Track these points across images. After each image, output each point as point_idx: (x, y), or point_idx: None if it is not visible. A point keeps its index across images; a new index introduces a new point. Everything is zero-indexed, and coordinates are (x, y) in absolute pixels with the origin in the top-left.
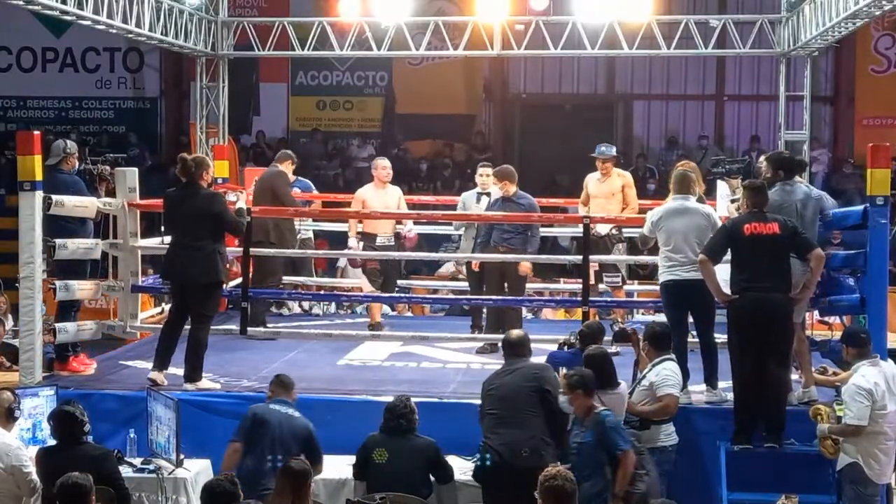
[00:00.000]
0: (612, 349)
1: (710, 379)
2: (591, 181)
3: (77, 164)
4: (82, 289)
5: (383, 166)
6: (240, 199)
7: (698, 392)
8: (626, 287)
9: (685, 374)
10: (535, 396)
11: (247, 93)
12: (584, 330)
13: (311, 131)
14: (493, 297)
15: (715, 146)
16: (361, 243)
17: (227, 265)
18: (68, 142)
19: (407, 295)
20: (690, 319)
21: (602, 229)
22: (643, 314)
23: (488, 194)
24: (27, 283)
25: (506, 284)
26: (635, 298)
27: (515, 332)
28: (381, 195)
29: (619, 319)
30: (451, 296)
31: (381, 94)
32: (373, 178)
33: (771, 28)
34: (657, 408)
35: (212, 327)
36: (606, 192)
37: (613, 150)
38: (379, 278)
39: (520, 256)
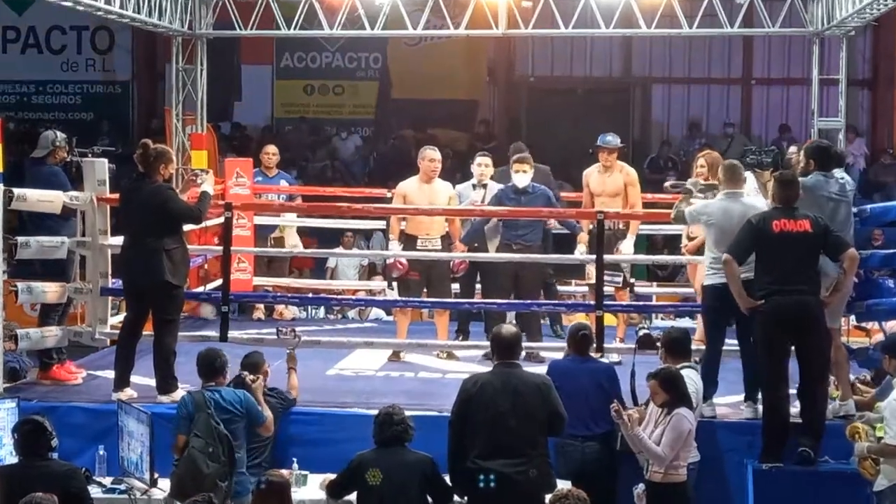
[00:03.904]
0: (615, 358)
1: (752, 392)
2: (592, 176)
3: (66, 157)
4: (48, 291)
5: (431, 158)
6: (205, 182)
7: (724, 405)
8: (645, 290)
9: (714, 386)
10: (545, 423)
11: (227, 76)
12: (577, 336)
13: (298, 119)
14: (501, 301)
15: (741, 135)
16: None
17: (191, 264)
18: (58, 133)
19: (405, 299)
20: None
21: (627, 248)
22: (662, 319)
23: (484, 186)
24: None
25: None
26: (654, 302)
27: (508, 331)
28: (426, 192)
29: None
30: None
31: (375, 78)
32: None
33: (803, 5)
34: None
35: (190, 333)
36: (611, 189)
37: (619, 141)
38: (418, 291)
39: (539, 256)
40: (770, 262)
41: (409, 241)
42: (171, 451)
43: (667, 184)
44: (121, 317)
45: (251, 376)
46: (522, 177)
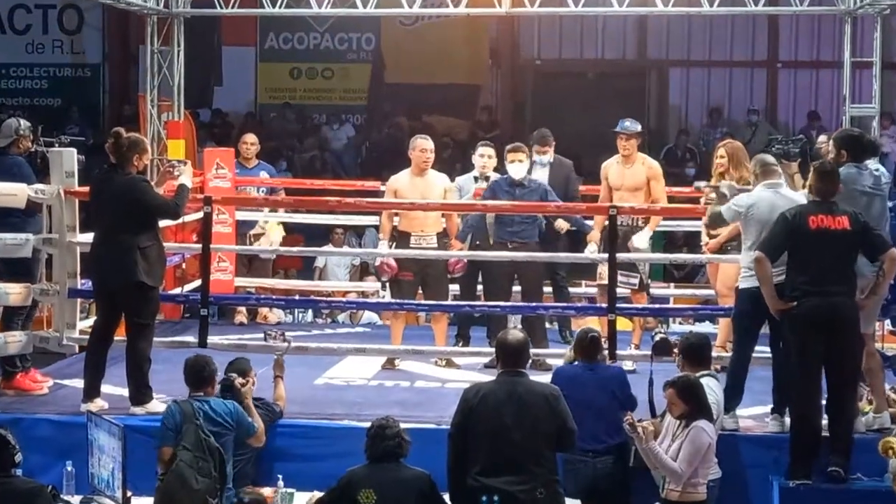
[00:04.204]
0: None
1: (780, 405)
2: (612, 169)
3: (31, 146)
4: (11, 293)
5: (422, 148)
6: (183, 174)
7: (748, 417)
8: (661, 291)
9: (740, 396)
10: (552, 437)
11: (207, 59)
12: (586, 340)
13: (283, 105)
14: (504, 303)
15: (767, 122)
16: (394, 246)
17: (168, 263)
18: (22, 121)
19: (400, 301)
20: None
21: (640, 242)
22: (680, 323)
23: (486, 178)
24: None
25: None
26: (671, 305)
27: (514, 336)
28: (419, 186)
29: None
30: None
31: (368, 61)
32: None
33: None
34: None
35: (166, 339)
36: (632, 183)
37: (639, 126)
38: (411, 293)
39: (536, 255)
40: (805, 260)
41: (402, 238)
42: (156, 464)
43: (698, 184)
44: (90, 321)
45: (240, 379)
46: (518, 167)
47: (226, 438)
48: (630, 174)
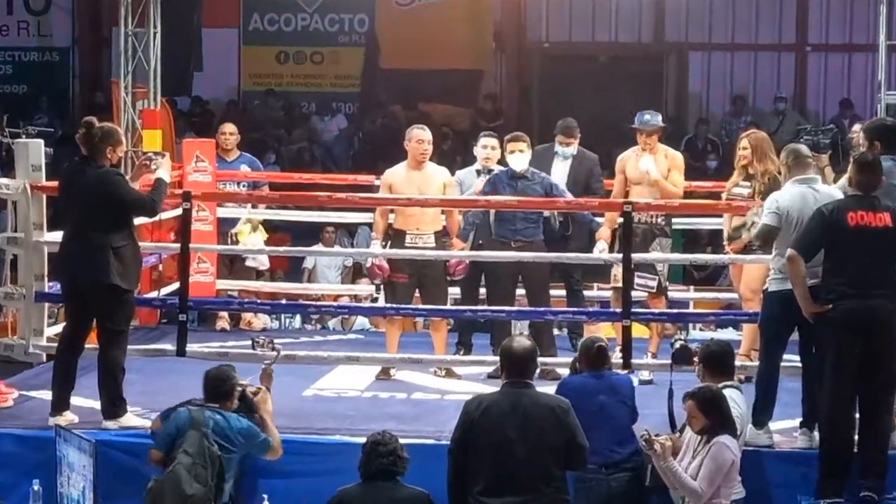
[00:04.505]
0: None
1: (809, 419)
2: (630, 162)
3: None
4: None
5: (419, 138)
6: (161, 167)
7: (775, 431)
8: (680, 294)
9: (770, 409)
10: (561, 453)
11: (186, 42)
12: (593, 350)
13: (265, 92)
14: (509, 308)
15: (795, 111)
16: (388, 245)
17: (144, 264)
18: None
19: (396, 306)
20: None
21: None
22: (701, 329)
23: (489, 172)
24: None
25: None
26: (691, 310)
27: (520, 344)
28: (415, 180)
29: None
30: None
31: (361, 44)
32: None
33: None
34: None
35: (142, 346)
36: (654, 178)
37: (660, 119)
38: (407, 296)
39: (544, 255)
40: (842, 260)
41: (396, 237)
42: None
43: (739, 189)
44: (59, 327)
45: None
46: (519, 158)
47: (231, 456)
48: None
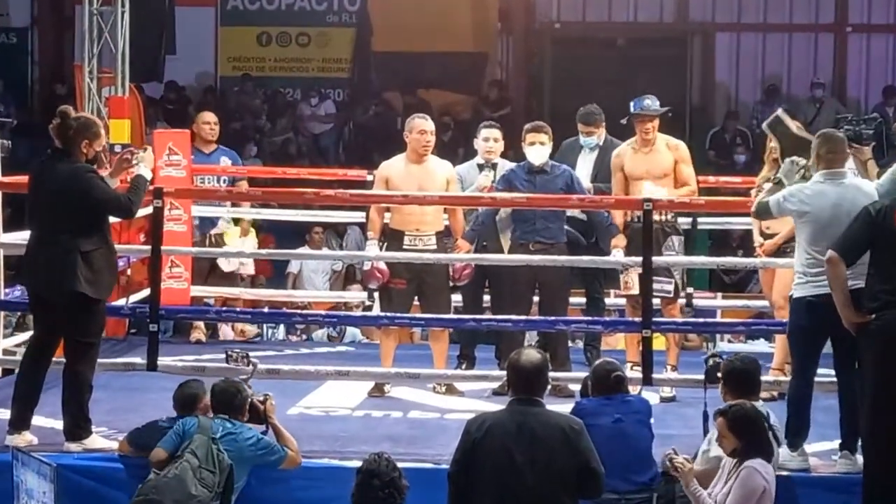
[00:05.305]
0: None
1: (850, 440)
2: (628, 156)
3: None
4: None
5: (421, 129)
6: (141, 162)
7: (810, 454)
8: (707, 302)
9: (805, 429)
10: (572, 479)
11: (157, 21)
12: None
13: (244, 78)
14: (517, 317)
15: (834, 99)
16: (385, 247)
17: (115, 270)
18: None
19: (390, 315)
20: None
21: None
22: (730, 341)
23: (493, 166)
24: None
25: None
26: (718, 319)
27: (529, 357)
28: (415, 174)
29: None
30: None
31: (352, 25)
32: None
33: None
34: None
35: (109, 360)
36: (658, 170)
37: (658, 104)
38: (405, 303)
39: (558, 258)
40: (889, 265)
41: (394, 238)
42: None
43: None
44: (18, 338)
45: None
46: (538, 150)
47: (241, 466)
48: (654, 160)
